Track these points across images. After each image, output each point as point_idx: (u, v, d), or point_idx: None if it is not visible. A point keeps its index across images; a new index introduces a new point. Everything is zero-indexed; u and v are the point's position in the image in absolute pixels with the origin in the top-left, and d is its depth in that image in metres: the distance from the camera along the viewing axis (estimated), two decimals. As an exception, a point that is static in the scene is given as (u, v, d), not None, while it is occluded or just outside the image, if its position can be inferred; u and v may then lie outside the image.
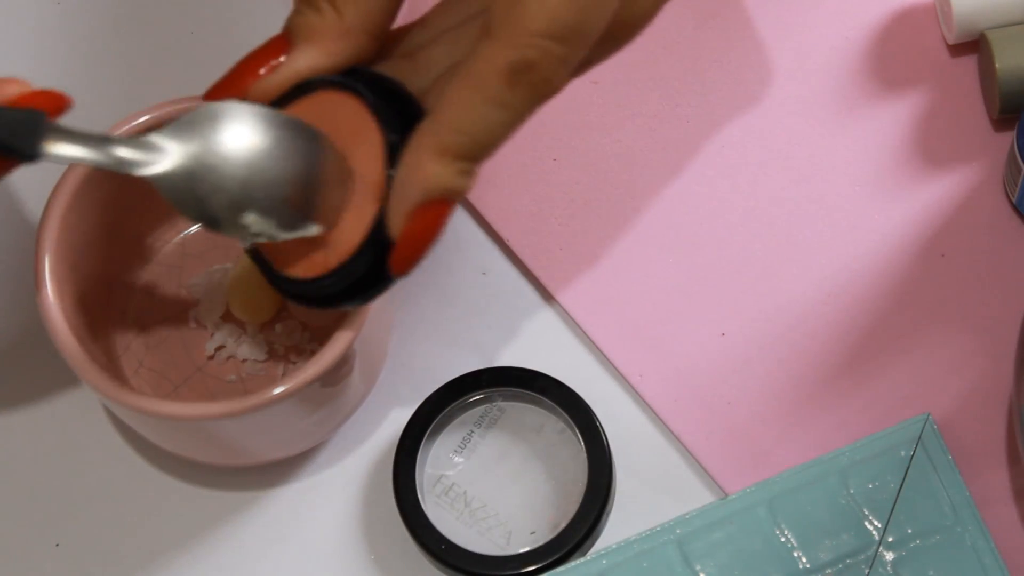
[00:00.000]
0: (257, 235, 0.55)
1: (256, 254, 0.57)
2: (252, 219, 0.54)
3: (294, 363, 0.64)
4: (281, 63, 0.54)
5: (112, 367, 0.63)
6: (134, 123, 0.61)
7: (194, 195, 0.54)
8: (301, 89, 0.54)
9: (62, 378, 0.65)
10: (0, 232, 0.66)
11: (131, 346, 0.64)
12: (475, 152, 0.51)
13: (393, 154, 0.53)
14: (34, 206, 0.61)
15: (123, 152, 0.54)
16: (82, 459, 0.65)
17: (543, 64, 0.50)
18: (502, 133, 0.51)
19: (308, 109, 0.55)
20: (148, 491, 0.64)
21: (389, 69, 0.55)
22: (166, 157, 0.54)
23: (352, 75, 0.54)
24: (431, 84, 0.54)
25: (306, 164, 0.55)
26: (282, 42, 0.54)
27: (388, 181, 0.53)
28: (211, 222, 0.54)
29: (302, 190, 0.55)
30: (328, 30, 0.53)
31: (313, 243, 0.55)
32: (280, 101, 0.55)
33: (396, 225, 0.52)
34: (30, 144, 0.50)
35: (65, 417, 0.65)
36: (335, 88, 0.54)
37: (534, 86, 0.50)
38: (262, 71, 0.54)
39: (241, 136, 0.55)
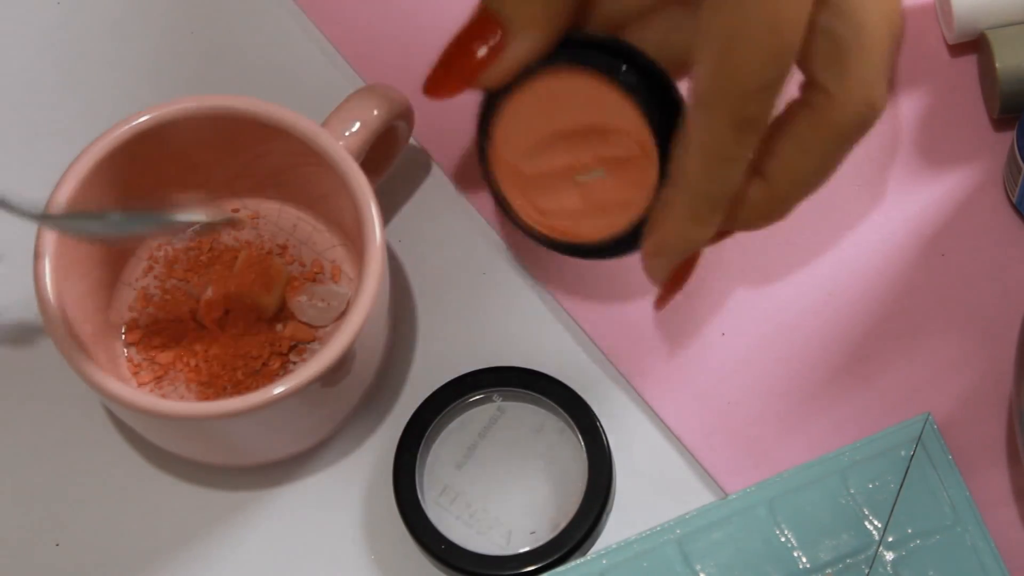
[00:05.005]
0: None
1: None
2: None
3: (294, 363, 0.64)
4: (502, 50, 0.54)
5: (112, 367, 0.63)
6: (134, 123, 0.61)
7: None
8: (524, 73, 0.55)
9: (62, 378, 0.65)
10: (0, 230, 0.66)
11: (131, 347, 0.64)
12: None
13: (663, 151, 0.54)
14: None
15: None
16: (82, 459, 0.65)
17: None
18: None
19: (538, 94, 0.55)
20: (148, 491, 0.64)
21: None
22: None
23: (567, 45, 0.54)
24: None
25: None
26: (489, 24, 0.53)
27: (659, 183, 0.55)
28: None
29: None
30: (541, 15, 0.53)
31: (585, 200, 0.56)
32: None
33: (658, 274, 0.57)
34: None
35: (65, 417, 0.65)
36: (566, 66, 0.54)
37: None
38: (480, 55, 0.54)
39: None
